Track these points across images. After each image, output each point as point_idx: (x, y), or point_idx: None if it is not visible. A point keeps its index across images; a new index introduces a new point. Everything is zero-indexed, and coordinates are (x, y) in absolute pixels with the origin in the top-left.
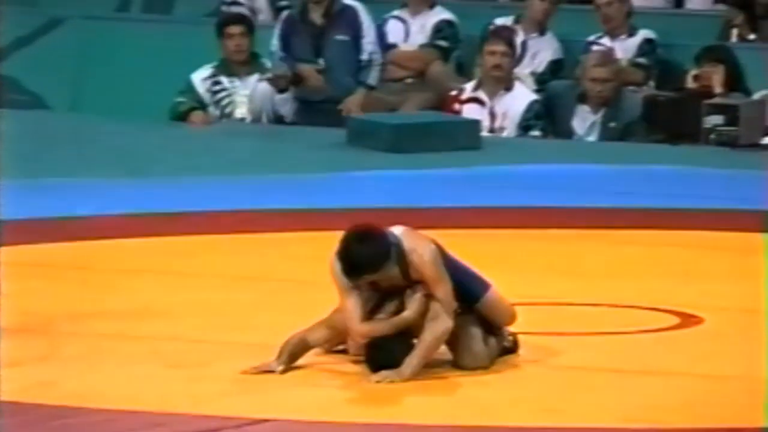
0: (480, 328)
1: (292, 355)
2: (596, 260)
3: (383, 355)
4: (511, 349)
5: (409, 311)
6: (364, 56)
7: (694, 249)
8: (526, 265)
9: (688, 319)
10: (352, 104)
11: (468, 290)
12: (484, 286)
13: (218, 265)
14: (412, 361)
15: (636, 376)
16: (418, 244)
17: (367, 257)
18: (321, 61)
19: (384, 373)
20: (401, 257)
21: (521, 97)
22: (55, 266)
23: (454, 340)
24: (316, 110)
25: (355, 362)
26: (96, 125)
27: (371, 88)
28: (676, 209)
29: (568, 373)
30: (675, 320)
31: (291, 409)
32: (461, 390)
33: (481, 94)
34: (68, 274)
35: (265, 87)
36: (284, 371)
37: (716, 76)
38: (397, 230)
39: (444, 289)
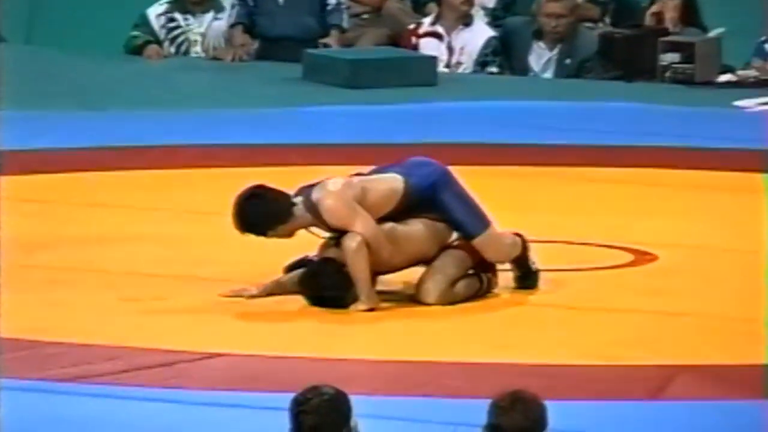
0: (454, 270)
1: (266, 290)
2: (551, 197)
3: (314, 284)
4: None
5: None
6: (332, 0)
7: (648, 186)
8: (480, 202)
9: (642, 256)
10: (333, 44)
11: (464, 229)
12: (483, 224)
13: (174, 199)
14: (360, 290)
15: (590, 313)
16: (322, 195)
17: (249, 218)
18: (281, 1)
19: (357, 305)
20: (315, 210)
21: (480, 32)
22: (10, 198)
23: (425, 271)
24: (276, 47)
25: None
26: (51, 58)
27: (343, 30)
28: (631, 146)
29: (522, 310)
30: (629, 257)
31: (245, 343)
32: (415, 325)
33: (439, 29)
34: (23, 207)
35: (219, 25)
36: (252, 297)
37: (671, 11)
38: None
39: (361, 226)
